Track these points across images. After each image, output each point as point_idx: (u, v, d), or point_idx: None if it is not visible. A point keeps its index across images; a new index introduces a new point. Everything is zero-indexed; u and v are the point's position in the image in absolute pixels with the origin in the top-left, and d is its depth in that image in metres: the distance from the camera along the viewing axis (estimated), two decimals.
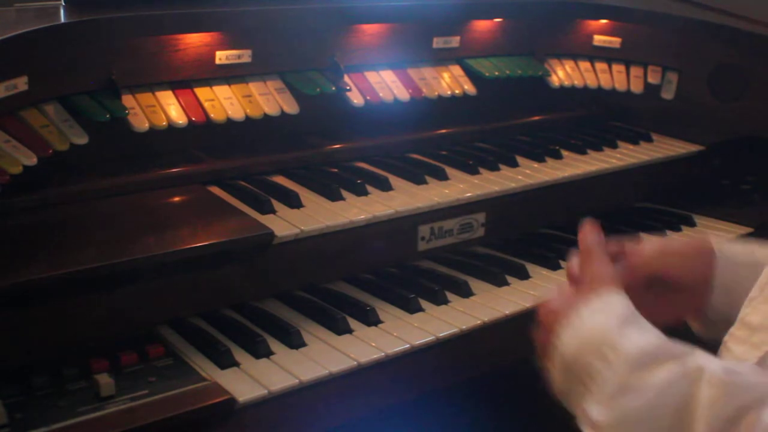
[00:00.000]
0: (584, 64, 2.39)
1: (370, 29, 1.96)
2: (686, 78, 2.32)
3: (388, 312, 1.53)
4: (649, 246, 1.23)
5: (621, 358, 0.89)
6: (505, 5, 2.24)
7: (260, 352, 1.36)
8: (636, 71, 2.37)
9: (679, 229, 2.05)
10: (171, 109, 1.65)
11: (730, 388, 0.81)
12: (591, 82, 2.36)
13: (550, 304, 1.06)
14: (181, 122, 1.65)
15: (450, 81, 2.09)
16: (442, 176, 1.81)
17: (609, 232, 1.95)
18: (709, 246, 1.21)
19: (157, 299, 1.43)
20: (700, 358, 0.87)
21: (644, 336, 0.92)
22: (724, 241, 1.23)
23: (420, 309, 1.54)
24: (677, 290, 1.21)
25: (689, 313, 1.25)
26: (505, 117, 2.24)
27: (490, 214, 1.82)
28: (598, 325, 0.95)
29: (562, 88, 2.34)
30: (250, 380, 1.29)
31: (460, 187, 1.78)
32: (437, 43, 2.10)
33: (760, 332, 1.00)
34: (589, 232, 1.12)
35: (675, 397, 0.82)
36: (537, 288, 1.66)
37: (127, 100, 1.61)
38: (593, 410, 0.88)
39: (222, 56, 1.73)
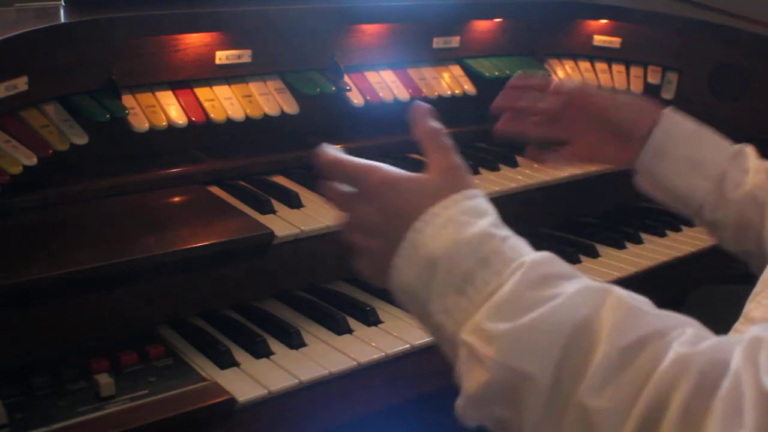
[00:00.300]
0: (584, 64, 2.38)
1: (370, 29, 1.96)
2: (686, 78, 2.32)
3: (388, 312, 1.53)
4: (601, 95, 1.41)
5: (516, 270, 0.80)
6: (505, 5, 2.24)
7: (260, 352, 1.36)
8: (636, 71, 2.36)
9: (679, 229, 2.05)
10: (171, 109, 1.65)
11: (635, 313, 0.76)
12: (591, 82, 2.36)
13: (386, 176, 0.90)
14: (181, 122, 1.65)
15: (450, 81, 2.09)
16: None
17: (609, 232, 1.96)
18: (658, 108, 1.37)
19: (157, 299, 1.43)
20: (597, 282, 0.81)
21: (530, 249, 0.85)
22: (678, 114, 1.37)
23: None
24: (621, 137, 1.38)
25: (625, 161, 1.40)
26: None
27: None
28: (475, 228, 0.83)
29: None
30: (250, 380, 1.29)
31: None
32: (437, 43, 2.10)
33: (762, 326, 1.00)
34: (426, 116, 0.96)
35: (576, 313, 0.75)
36: None
37: (127, 100, 1.61)
38: (483, 320, 0.78)
39: (222, 56, 1.73)
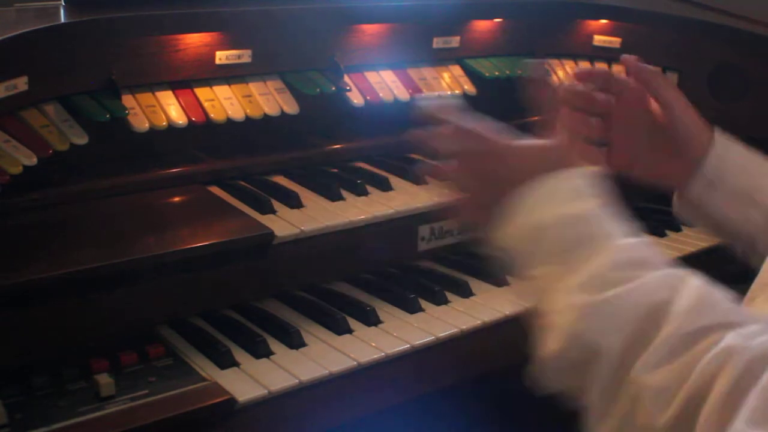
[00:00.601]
0: (584, 64, 2.38)
1: (370, 29, 1.96)
2: (686, 78, 2.31)
3: (388, 312, 1.53)
4: (662, 97, 1.27)
5: (607, 250, 0.87)
6: (505, 5, 2.24)
7: (260, 352, 1.36)
8: None
9: (679, 230, 2.05)
10: (171, 109, 1.65)
11: (708, 302, 0.80)
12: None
13: (511, 142, 1.00)
14: (181, 122, 1.64)
15: (450, 81, 2.09)
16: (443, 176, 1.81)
17: None
18: (710, 127, 1.29)
19: (157, 299, 1.43)
20: (681, 269, 0.86)
21: (631, 232, 0.92)
22: (726, 135, 1.29)
23: (420, 309, 1.54)
24: (672, 151, 1.27)
25: (669, 177, 1.31)
26: (505, 117, 2.23)
27: None
28: (585, 206, 0.91)
29: None
30: (250, 380, 1.29)
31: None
32: (437, 43, 2.10)
33: None
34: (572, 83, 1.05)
35: (654, 296, 0.81)
36: None
37: (127, 100, 1.61)
38: (565, 292, 0.85)
39: (222, 56, 1.73)
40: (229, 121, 1.70)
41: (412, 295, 1.55)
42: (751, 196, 1.25)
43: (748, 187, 1.25)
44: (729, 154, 1.26)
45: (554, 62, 2.36)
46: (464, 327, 1.49)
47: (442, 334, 1.46)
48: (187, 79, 1.70)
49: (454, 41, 2.13)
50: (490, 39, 2.22)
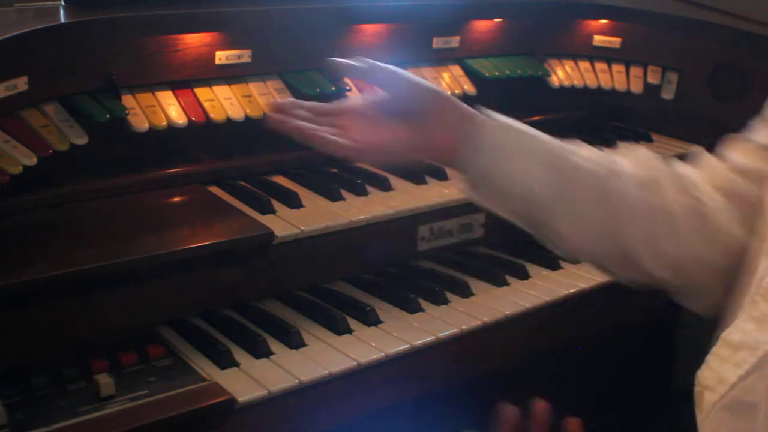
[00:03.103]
0: (584, 64, 2.38)
1: (370, 29, 1.96)
2: (686, 78, 2.31)
3: (388, 312, 1.53)
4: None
5: None
6: (505, 5, 2.24)
7: (260, 352, 1.36)
8: (636, 71, 2.36)
9: None
10: (171, 109, 1.65)
11: None
12: (591, 82, 2.36)
13: None
14: (181, 122, 1.65)
15: (450, 81, 2.09)
16: (442, 176, 1.81)
17: None
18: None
19: (157, 299, 1.43)
20: None
21: None
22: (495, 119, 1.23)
23: (420, 309, 1.54)
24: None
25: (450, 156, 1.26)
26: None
27: (490, 214, 1.82)
28: None
29: (562, 88, 2.34)
30: (250, 380, 1.29)
31: (460, 187, 1.77)
32: (437, 43, 2.10)
33: (742, 350, 0.99)
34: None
35: None
36: (537, 288, 1.66)
37: (127, 100, 1.61)
38: None
39: (222, 56, 1.73)
40: (229, 121, 1.71)
41: (412, 295, 1.56)
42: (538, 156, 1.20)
43: (533, 147, 1.21)
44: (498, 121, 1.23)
45: (554, 62, 2.36)
46: (464, 327, 1.49)
47: (442, 334, 1.46)
48: (187, 79, 1.70)
49: (454, 41, 2.13)
50: (490, 39, 2.22)
